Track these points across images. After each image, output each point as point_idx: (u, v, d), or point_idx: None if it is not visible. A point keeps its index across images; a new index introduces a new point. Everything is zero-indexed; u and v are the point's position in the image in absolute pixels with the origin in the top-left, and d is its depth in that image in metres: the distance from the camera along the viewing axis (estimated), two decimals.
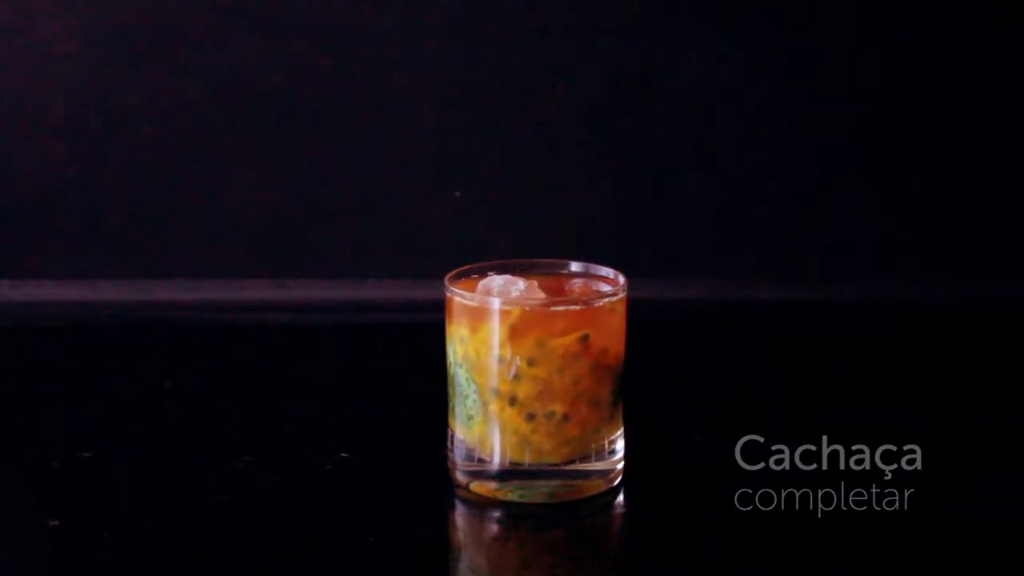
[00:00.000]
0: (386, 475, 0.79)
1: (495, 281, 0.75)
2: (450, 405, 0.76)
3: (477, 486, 0.75)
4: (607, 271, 0.78)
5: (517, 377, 0.73)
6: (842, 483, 0.77)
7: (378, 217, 1.12)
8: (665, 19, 1.08)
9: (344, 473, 0.79)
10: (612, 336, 0.75)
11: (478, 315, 0.74)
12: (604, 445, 0.75)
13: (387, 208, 1.12)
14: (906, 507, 0.75)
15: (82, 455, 0.81)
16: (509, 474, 0.74)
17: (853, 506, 0.74)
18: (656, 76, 1.08)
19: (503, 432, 0.74)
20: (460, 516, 0.75)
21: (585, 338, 0.73)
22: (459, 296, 0.74)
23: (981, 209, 1.12)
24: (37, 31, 1.08)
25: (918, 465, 0.80)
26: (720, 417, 0.87)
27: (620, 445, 0.76)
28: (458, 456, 0.76)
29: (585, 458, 0.74)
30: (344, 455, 0.81)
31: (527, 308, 0.73)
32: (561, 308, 0.73)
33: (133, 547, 0.70)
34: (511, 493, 0.74)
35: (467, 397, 0.74)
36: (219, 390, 0.94)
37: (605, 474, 0.75)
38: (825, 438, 0.84)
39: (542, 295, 0.75)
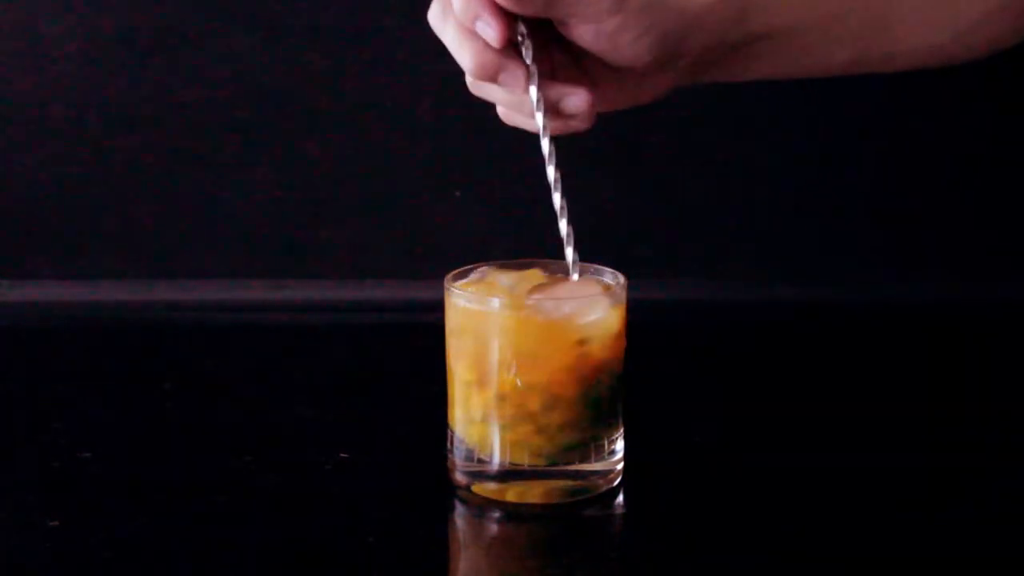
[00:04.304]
0: (386, 475, 0.79)
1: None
2: (450, 405, 0.76)
3: (477, 486, 0.75)
4: (607, 271, 0.78)
5: (517, 377, 0.73)
6: (843, 483, 0.77)
7: (378, 217, 1.12)
8: None
9: (344, 473, 0.79)
10: (611, 336, 0.75)
11: (478, 315, 0.74)
12: (604, 445, 0.75)
13: (387, 208, 1.12)
14: (908, 508, 0.75)
15: (82, 455, 0.81)
16: (509, 474, 0.74)
17: (854, 507, 0.74)
18: None
19: (503, 432, 0.74)
20: (460, 516, 0.75)
21: (582, 342, 0.73)
22: (459, 296, 0.74)
23: (982, 209, 1.12)
24: (37, 31, 1.08)
25: (919, 466, 0.80)
26: (720, 418, 0.87)
27: (620, 445, 0.76)
28: (458, 456, 0.76)
29: (585, 458, 0.74)
30: (344, 455, 0.81)
31: (528, 307, 0.73)
32: (559, 308, 0.73)
33: (133, 547, 0.70)
34: (511, 493, 0.74)
35: (467, 397, 0.74)
36: (219, 390, 0.94)
37: (605, 474, 0.75)
38: (826, 438, 0.84)
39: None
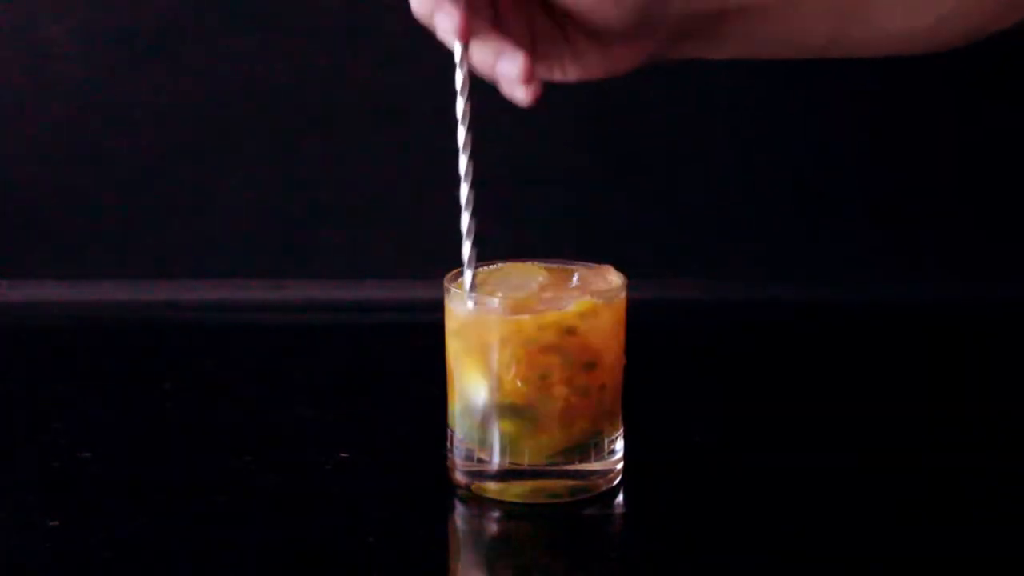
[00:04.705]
0: (386, 475, 0.79)
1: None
2: (450, 405, 0.76)
3: (477, 486, 0.75)
4: (607, 270, 0.78)
5: (517, 377, 0.73)
6: (843, 483, 0.77)
7: (378, 217, 1.12)
8: None
9: (344, 473, 0.79)
10: (612, 336, 0.75)
11: (478, 315, 0.74)
12: (604, 445, 0.75)
13: (387, 208, 1.12)
14: (907, 508, 0.75)
15: (82, 455, 0.81)
16: (509, 474, 0.74)
17: (854, 506, 0.74)
18: (655, 75, 1.08)
19: (503, 432, 0.74)
20: (460, 516, 0.75)
21: (583, 342, 0.73)
22: (459, 296, 0.74)
23: (982, 209, 1.12)
24: (37, 31, 1.08)
25: (919, 466, 0.80)
26: (720, 418, 0.87)
27: (620, 445, 0.76)
28: (458, 456, 0.76)
29: (585, 458, 0.74)
30: (344, 455, 0.81)
31: (527, 308, 0.73)
32: (560, 309, 0.73)
33: (133, 547, 0.70)
34: (511, 493, 0.74)
35: (467, 397, 0.74)
36: (219, 390, 0.94)
37: (605, 474, 0.75)
38: (826, 438, 0.84)
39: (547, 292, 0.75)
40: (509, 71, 0.70)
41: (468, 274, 0.74)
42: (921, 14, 0.75)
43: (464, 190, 0.72)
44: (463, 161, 0.72)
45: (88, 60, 1.09)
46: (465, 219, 0.73)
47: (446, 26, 0.69)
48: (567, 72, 0.74)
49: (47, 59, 1.09)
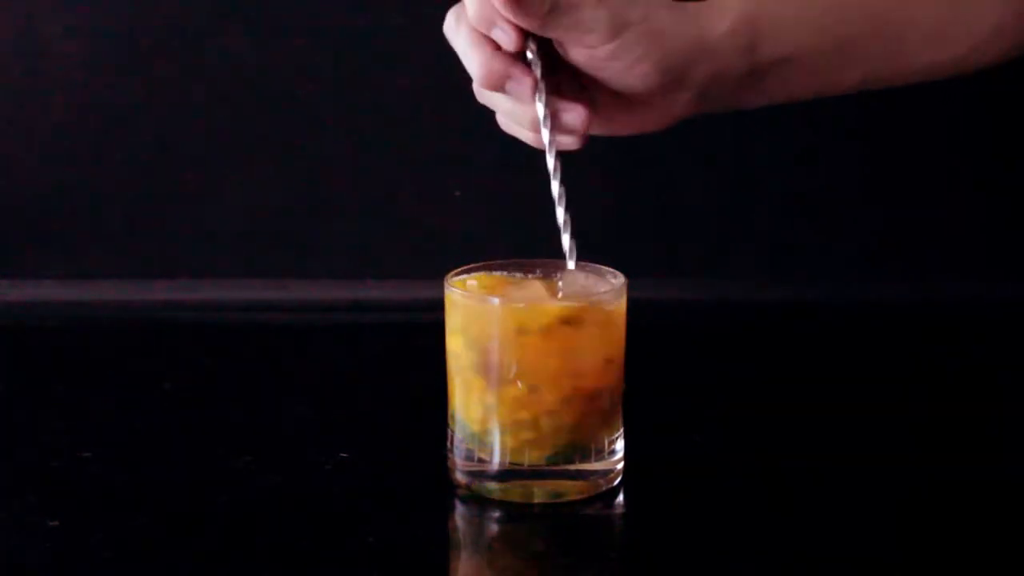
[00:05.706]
0: (386, 475, 0.79)
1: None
2: (450, 405, 0.76)
3: (477, 486, 0.75)
4: (607, 270, 0.78)
5: (517, 378, 0.73)
6: (842, 483, 0.77)
7: (378, 217, 1.12)
8: None
9: (344, 473, 0.79)
10: (612, 336, 0.75)
11: (478, 315, 0.74)
12: (604, 445, 0.75)
13: (387, 208, 1.12)
14: (908, 508, 0.75)
15: (82, 455, 0.81)
16: (509, 474, 0.74)
17: (854, 507, 0.75)
18: None
19: (503, 432, 0.74)
20: (460, 516, 0.75)
21: (582, 341, 0.73)
22: (459, 295, 0.74)
23: (982, 209, 1.12)
24: (37, 31, 1.08)
25: (918, 466, 0.80)
26: (720, 418, 0.87)
27: (620, 445, 0.76)
28: (458, 456, 0.76)
29: (585, 458, 0.74)
30: (344, 455, 0.81)
31: (527, 308, 0.73)
32: (560, 308, 0.73)
33: (133, 547, 0.70)
34: (511, 493, 0.74)
35: (467, 397, 0.74)
36: (219, 390, 0.94)
37: (605, 474, 0.75)
38: (825, 438, 0.84)
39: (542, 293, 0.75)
40: (572, 122, 0.73)
41: (571, 263, 0.75)
42: (956, 43, 0.76)
43: (555, 186, 0.75)
44: (551, 160, 0.74)
45: (88, 60, 1.09)
46: (560, 213, 0.75)
47: (503, 39, 0.71)
48: (592, 128, 0.75)
49: (47, 59, 1.09)
